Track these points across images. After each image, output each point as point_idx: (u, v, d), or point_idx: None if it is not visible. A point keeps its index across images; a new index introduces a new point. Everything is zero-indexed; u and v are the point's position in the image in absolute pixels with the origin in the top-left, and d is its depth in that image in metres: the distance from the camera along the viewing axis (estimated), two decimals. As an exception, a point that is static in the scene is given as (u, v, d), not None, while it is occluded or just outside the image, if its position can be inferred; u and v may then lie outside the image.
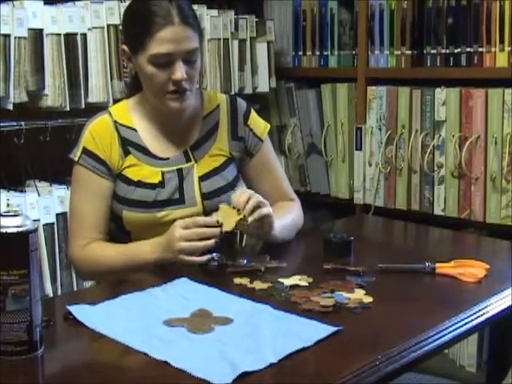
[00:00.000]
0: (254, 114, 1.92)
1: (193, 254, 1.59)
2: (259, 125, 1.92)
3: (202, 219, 1.64)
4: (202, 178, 1.80)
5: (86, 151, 1.76)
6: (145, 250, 1.68)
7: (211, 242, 1.59)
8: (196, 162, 1.81)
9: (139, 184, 1.76)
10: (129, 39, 1.77)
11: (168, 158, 1.79)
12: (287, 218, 1.83)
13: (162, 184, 1.77)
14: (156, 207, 1.75)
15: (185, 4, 1.72)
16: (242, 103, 1.91)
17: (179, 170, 1.79)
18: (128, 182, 1.77)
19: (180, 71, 1.68)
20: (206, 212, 1.77)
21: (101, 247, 1.73)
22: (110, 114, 1.81)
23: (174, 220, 1.73)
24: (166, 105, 1.73)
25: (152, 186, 1.76)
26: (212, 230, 1.60)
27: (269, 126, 1.95)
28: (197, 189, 1.79)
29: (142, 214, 1.75)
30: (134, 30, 1.73)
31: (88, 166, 1.75)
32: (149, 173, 1.77)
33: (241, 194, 1.67)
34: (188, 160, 1.81)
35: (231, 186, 1.83)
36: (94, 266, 1.73)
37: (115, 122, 1.80)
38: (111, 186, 1.77)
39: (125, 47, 1.76)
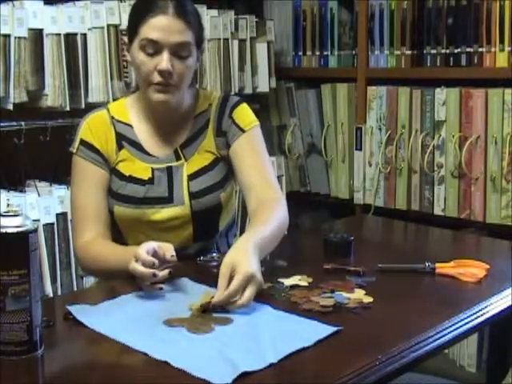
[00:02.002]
0: (242, 108, 1.85)
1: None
2: (245, 117, 1.84)
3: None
4: (190, 177, 1.79)
5: (83, 142, 1.78)
6: (129, 258, 1.57)
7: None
8: (186, 160, 1.81)
9: (130, 179, 1.77)
10: (128, 28, 1.79)
11: (159, 156, 1.80)
12: (266, 234, 1.60)
13: (151, 181, 1.77)
14: (145, 204, 1.75)
15: (186, 1, 1.74)
16: (233, 99, 1.87)
17: (169, 168, 1.79)
18: (120, 176, 1.78)
19: (165, 62, 1.67)
20: (194, 212, 1.76)
21: (101, 245, 1.73)
22: (108, 110, 1.83)
23: (163, 218, 1.74)
24: (150, 95, 1.72)
25: (142, 182, 1.77)
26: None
27: (258, 122, 1.85)
28: (185, 188, 1.78)
29: (131, 210, 1.75)
30: (133, 19, 1.76)
31: (85, 156, 1.77)
32: (140, 168, 1.78)
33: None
34: (178, 158, 1.81)
35: (220, 186, 1.81)
36: (95, 264, 1.73)
37: (112, 117, 1.81)
38: (108, 177, 1.78)
39: (125, 38, 1.80)
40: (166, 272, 1.49)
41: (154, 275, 1.47)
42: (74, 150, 1.79)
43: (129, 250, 1.63)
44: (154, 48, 1.69)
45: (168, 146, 1.81)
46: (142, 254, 1.49)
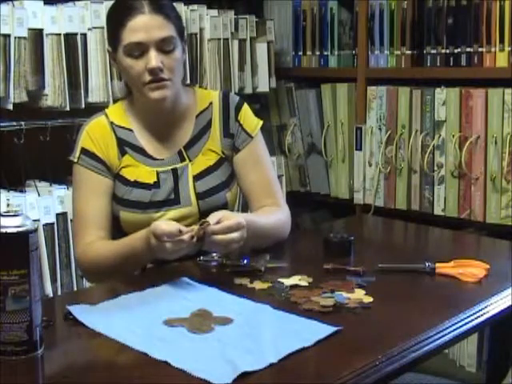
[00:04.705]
0: (245, 110, 1.88)
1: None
2: (251, 121, 1.88)
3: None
4: (196, 178, 1.80)
5: (84, 151, 1.78)
6: (137, 245, 1.64)
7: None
8: (190, 161, 1.81)
9: (135, 184, 1.77)
10: (109, 37, 1.80)
11: (163, 159, 1.80)
12: (264, 222, 1.74)
13: (157, 184, 1.77)
14: (152, 208, 1.76)
15: None
16: (234, 98, 1.89)
17: (174, 170, 1.79)
18: (125, 182, 1.78)
19: (154, 59, 1.68)
20: (201, 212, 1.77)
21: (103, 245, 1.73)
22: (107, 115, 1.82)
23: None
24: (147, 96, 1.72)
25: (148, 187, 1.77)
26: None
27: (261, 122, 1.90)
28: (191, 188, 1.79)
29: (138, 215, 1.75)
30: (112, 26, 1.76)
31: (87, 165, 1.77)
32: (144, 173, 1.78)
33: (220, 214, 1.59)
34: (182, 159, 1.81)
35: (225, 185, 1.82)
36: (96, 266, 1.72)
37: (112, 123, 1.81)
38: (111, 184, 1.78)
39: (108, 47, 1.79)
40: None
41: (180, 231, 1.51)
42: (75, 160, 1.78)
43: (134, 235, 1.67)
44: (139, 50, 1.69)
45: (171, 148, 1.82)
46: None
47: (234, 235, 1.55)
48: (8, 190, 2.25)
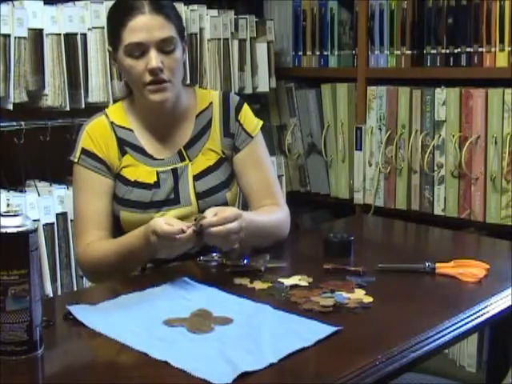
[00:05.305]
0: (246, 110, 1.88)
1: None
2: (251, 121, 1.88)
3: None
4: (196, 177, 1.80)
5: (84, 151, 1.78)
6: (136, 242, 1.65)
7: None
8: (190, 160, 1.81)
9: (136, 184, 1.77)
10: (109, 37, 1.80)
11: (163, 159, 1.80)
12: (263, 220, 1.75)
13: (157, 184, 1.77)
14: (152, 208, 1.76)
15: None
16: (234, 98, 1.89)
17: (174, 170, 1.79)
18: (125, 182, 1.78)
19: (154, 60, 1.68)
20: (201, 212, 1.76)
21: (103, 245, 1.73)
22: (107, 115, 1.83)
23: None
24: (147, 98, 1.72)
25: (148, 187, 1.77)
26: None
27: (261, 122, 1.90)
28: (191, 188, 1.79)
29: (138, 215, 1.75)
30: (112, 26, 1.77)
31: (87, 165, 1.77)
32: (145, 173, 1.78)
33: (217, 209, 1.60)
34: (182, 159, 1.81)
35: (225, 185, 1.83)
36: (97, 265, 1.72)
37: (112, 123, 1.81)
38: (112, 184, 1.78)
39: (109, 47, 1.80)
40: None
41: (183, 231, 1.52)
42: (76, 160, 1.78)
43: (132, 233, 1.67)
44: (139, 50, 1.69)
45: (171, 148, 1.82)
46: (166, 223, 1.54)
47: (232, 225, 1.55)
48: (8, 190, 2.25)
